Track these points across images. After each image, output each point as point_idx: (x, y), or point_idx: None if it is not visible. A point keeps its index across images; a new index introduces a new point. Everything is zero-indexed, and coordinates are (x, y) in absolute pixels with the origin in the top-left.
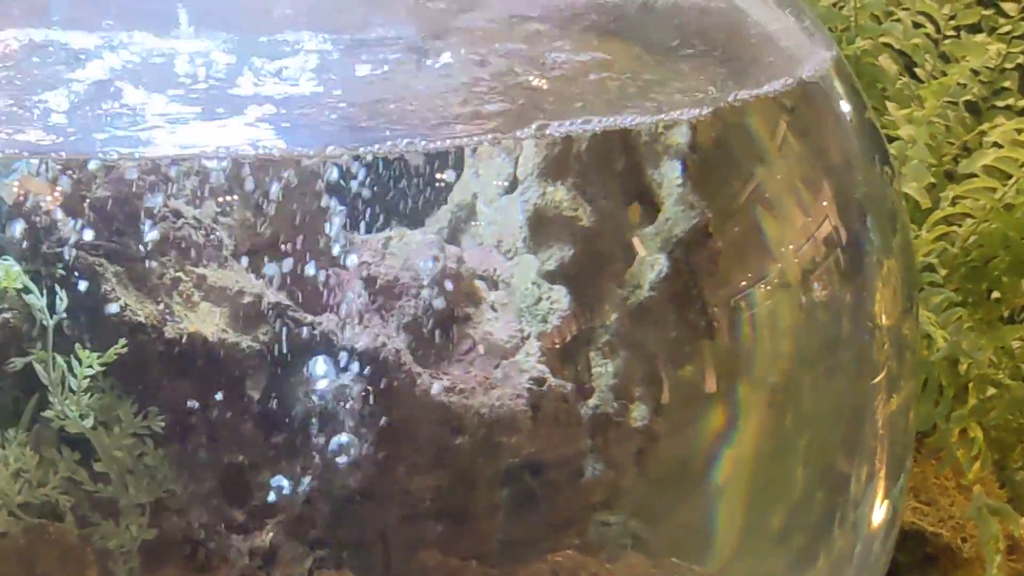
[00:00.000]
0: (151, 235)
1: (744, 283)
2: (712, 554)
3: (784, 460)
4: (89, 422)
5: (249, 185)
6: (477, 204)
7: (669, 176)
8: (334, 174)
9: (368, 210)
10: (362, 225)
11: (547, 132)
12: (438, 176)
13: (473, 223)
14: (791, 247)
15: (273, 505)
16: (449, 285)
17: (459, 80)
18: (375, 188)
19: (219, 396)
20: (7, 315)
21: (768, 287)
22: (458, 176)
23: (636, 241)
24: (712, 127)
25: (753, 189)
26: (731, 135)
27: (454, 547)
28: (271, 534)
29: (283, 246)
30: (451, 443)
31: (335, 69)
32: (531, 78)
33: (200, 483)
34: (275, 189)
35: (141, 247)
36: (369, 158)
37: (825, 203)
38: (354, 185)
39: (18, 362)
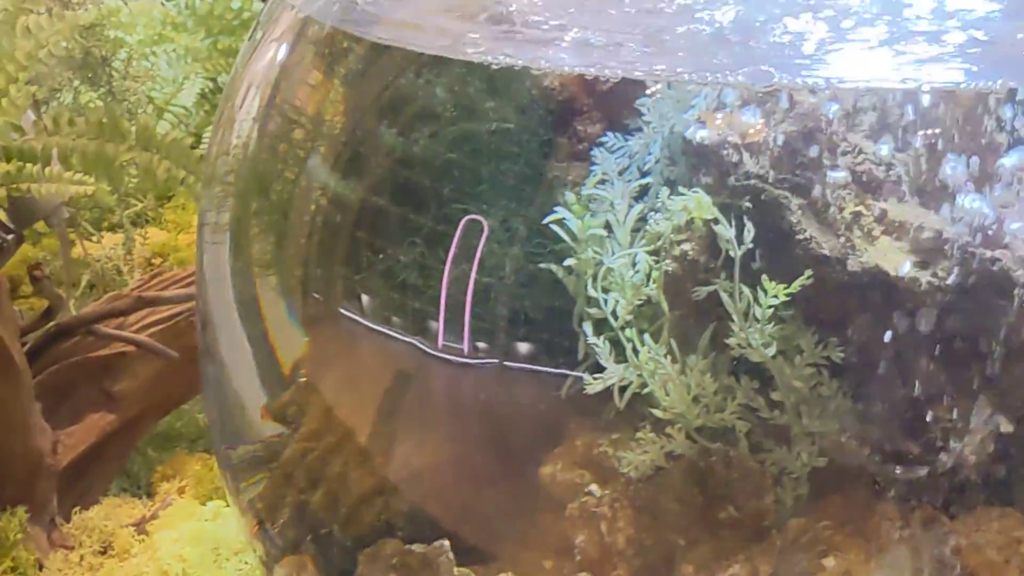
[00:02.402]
0: (834, 169)
1: None
2: None
3: None
4: (771, 351)
5: (923, 119)
6: None
7: None
8: (1006, 110)
9: None
10: None
11: None
12: None
13: None
14: None
15: (944, 439)
16: None
17: None
18: None
19: (897, 330)
20: (687, 247)
21: None
22: None
23: None
24: None
25: None
26: None
27: None
28: (939, 467)
29: (955, 181)
30: None
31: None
32: None
33: (873, 414)
34: (947, 124)
35: (824, 181)
36: None
37: None
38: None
39: (702, 291)
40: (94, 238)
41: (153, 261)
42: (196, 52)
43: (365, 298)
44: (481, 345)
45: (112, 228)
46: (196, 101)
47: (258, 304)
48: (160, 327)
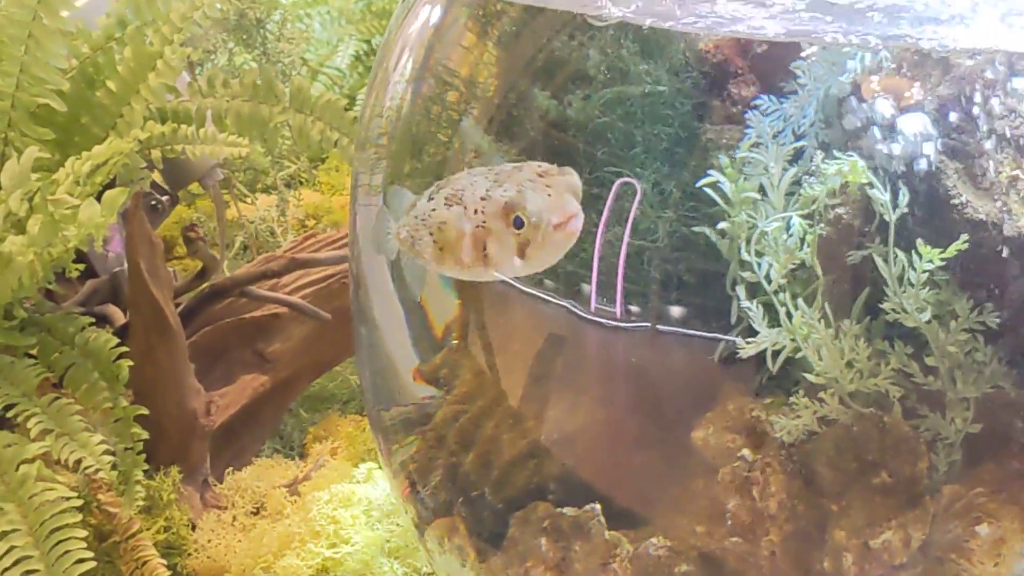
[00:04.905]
0: (990, 133)
1: None
2: None
3: None
4: (925, 316)
5: None
6: None
7: None
8: None
9: None
10: None
11: None
12: None
13: None
14: None
15: None
16: None
17: None
18: None
19: None
20: (841, 211)
21: None
22: None
23: None
24: None
25: None
26: None
27: None
28: None
29: None
30: None
31: None
32: None
33: None
34: None
35: (979, 144)
36: None
37: None
38: None
39: (856, 255)
40: (248, 200)
41: (307, 223)
42: (350, 14)
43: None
44: (634, 308)
45: (266, 190)
46: (350, 63)
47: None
48: (313, 289)
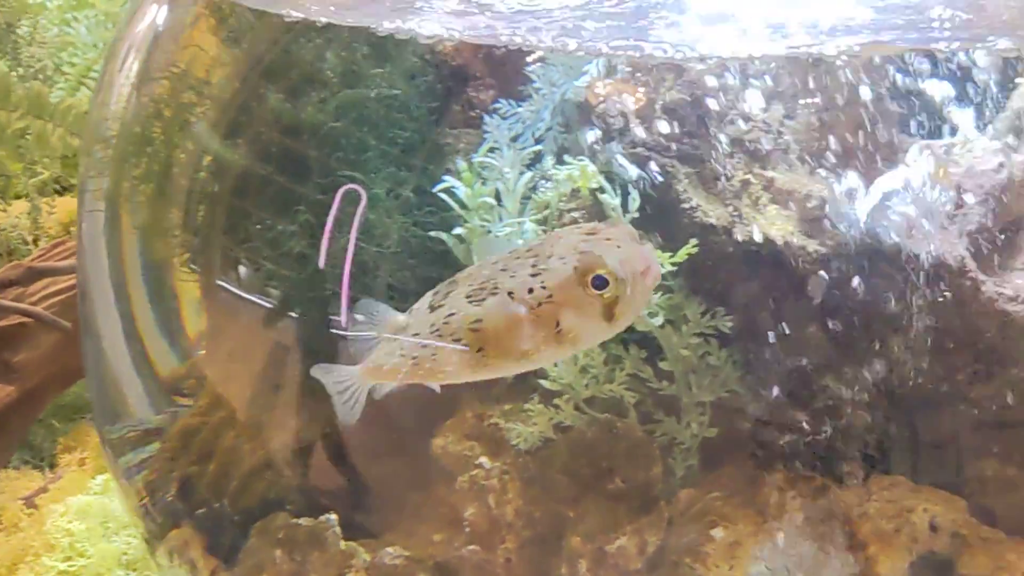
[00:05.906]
0: (721, 137)
1: None
2: None
3: None
4: (658, 320)
5: (812, 87)
6: None
7: None
8: (897, 76)
9: (926, 114)
10: (920, 129)
11: None
12: (996, 81)
13: None
14: None
15: (832, 408)
16: (1014, 193)
17: None
18: (935, 92)
19: (784, 299)
20: (575, 215)
21: None
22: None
23: None
24: None
25: None
26: None
27: (1012, 457)
28: (829, 436)
29: (846, 149)
30: (1013, 351)
31: None
32: None
33: (762, 384)
34: (838, 91)
35: (711, 149)
36: (929, 61)
37: None
38: (914, 88)
39: None
40: None
41: (71, 228)
42: (116, 18)
43: (244, 270)
44: (360, 317)
45: (27, 196)
46: None
47: (127, 277)
48: (61, 297)
